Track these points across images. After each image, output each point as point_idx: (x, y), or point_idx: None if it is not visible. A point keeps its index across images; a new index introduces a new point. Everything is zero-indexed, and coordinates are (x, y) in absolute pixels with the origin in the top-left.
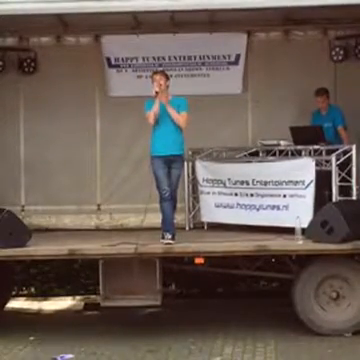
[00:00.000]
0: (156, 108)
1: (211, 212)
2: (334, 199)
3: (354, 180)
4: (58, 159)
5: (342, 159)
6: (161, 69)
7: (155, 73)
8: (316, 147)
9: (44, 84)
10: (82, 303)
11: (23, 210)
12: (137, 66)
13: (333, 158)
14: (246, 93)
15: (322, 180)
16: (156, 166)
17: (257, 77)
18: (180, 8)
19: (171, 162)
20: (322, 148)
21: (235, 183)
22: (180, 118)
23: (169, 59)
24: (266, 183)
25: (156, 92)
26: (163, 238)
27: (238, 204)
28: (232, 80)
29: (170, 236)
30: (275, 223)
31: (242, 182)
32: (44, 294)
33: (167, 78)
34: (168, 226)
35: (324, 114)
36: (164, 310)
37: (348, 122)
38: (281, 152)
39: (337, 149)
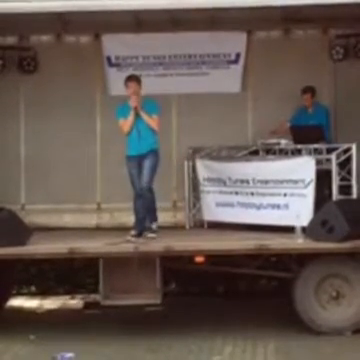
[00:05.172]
0: (131, 119)
1: (211, 211)
2: (334, 198)
3: (354, 179)
4: (58, 158)
5: (342, 158)
6: (132, 73)
7: (129, 79)
8: (316, 146)
9: (44, 83)
10: (82, 302)
11: (23, 209)
12: (137, 65)
13: (333, 157)
14: (246, 92)
15: (322, 179)
16: (129, 166)
17: (257, 76)
18: (180, 7)
19: (143, 158)
20: (322, 147)
21: (235, 182)
22: (152, 122)
23: (169, 58)
24: (266, 182)
25: (135, 107)
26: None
27: (238, 203)
28: (232, 79)
29: (134, 233)
30: (275, 222)
31: (242, 181)
32: (44, 293)
33: (140, 82)
34: (138, 223)
35: (310, 112)
36: (164, 309)
37: (348, 120)
38: (281, 151)
39: (337, 148)
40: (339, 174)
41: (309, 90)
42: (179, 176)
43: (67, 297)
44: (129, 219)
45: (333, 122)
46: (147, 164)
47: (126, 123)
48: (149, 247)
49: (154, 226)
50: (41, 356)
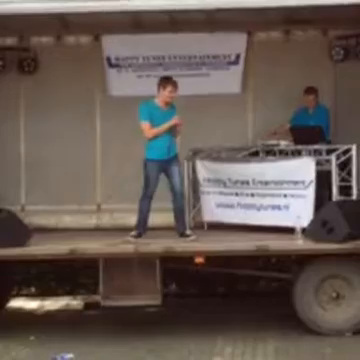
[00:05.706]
0: (165, 130)
1: (212, 212)
2: (334, 199)
3: (354, 180)
4: (58, 159)
5: (342, 159)
6: (169, 76)
7: (171, 83)
8: (316, 147)
9: (44, 84)
10: (82, 303)
11: (23, 210)
12: (137, 66)
13: (333, 158)
14: (246, 93)
15: (322, 180)
16: (151, 168)
17: (257, 77)
18: (180, 8)
19: (169, 163)
20: (322, 148)
21: (235, 183)
22: (180, 129)
23: (169, 59)
24: (266, 183)
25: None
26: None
27: (238, 204)
28: (232, 80)
29: (135, 233)
30: (275, 223)
31: (242, 182)
32: (44, 294)
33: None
34: (140, 224)
35: (311, 112)
36: (164, 310)
37: (348, 121)
38: (281, 152)
39: (337, 149)
40: (339, 175)
41: (313, 91)
42: None
43: (67, 298)
44: (129, 220)
45: (333, 123)
46: (177, 170)
47: (156, 131)
48: (149, 248)
49: (189, 232)
50: (41, 357)
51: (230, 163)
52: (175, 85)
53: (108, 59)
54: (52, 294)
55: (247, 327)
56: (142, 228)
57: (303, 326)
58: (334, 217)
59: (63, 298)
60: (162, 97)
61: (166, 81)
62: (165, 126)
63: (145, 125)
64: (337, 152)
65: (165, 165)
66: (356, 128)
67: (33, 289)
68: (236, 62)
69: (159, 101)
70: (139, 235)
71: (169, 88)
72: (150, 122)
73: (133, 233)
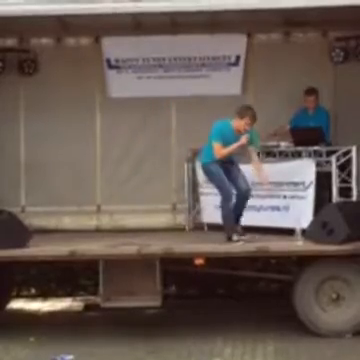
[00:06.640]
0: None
1: (211, 213)
2: (334, 200)
3: (354, 181)
4: (58, 160)
5: (342, 160)
6: (251, 106)
7: (247, 113)
8: (316, 148)
9: (44, 85)
10: (82, 304)
11: (23, 211)
12: (137, 67)
13: (333, 159)
14: (246, 94)
15: (322, 181)
16: (214, 166)
17: (257, 78)
18: (180, 10)
19: (227, 164)
20: (322, 149)
21: None
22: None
23: (169, 60)
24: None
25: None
26: (231, 239)
27: None
28: (232, 81)
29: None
30: (275, 224)
31: None
32: (44, 295)
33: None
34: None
35: (311, 114)
36: (164, 311)
37: (348, 122)
38: (281, 153)
39: (337, 150)
40: (339, 176)
41: (314, 92)
42: (179, 178)
43: (67, 299)
44: (129, 221)
45: (333, 124)
46: (237, 170)
47: (227, 152)
48: (149, 249)
49: (236, 237)
50: (41, 358)
51: None
52: (253, 118)
53: (108, 61)
54: (52, 295)
55: (247, 328)
56: (236, 223)
57: (303, 327)
58: (334, 218)
59: (63, 299)
60: (237, 125)
61: (245, 112)
62: (234, 146)
63: (216, 145)
64: (337, 153)
65: (224, 164)
66: (356, 129)
67: (33, 290)
68: (236, 63)
69: (234, 126)
70: (242, 234)
71: (246, 120)
72: (222, 142)
73: (238, 234)
